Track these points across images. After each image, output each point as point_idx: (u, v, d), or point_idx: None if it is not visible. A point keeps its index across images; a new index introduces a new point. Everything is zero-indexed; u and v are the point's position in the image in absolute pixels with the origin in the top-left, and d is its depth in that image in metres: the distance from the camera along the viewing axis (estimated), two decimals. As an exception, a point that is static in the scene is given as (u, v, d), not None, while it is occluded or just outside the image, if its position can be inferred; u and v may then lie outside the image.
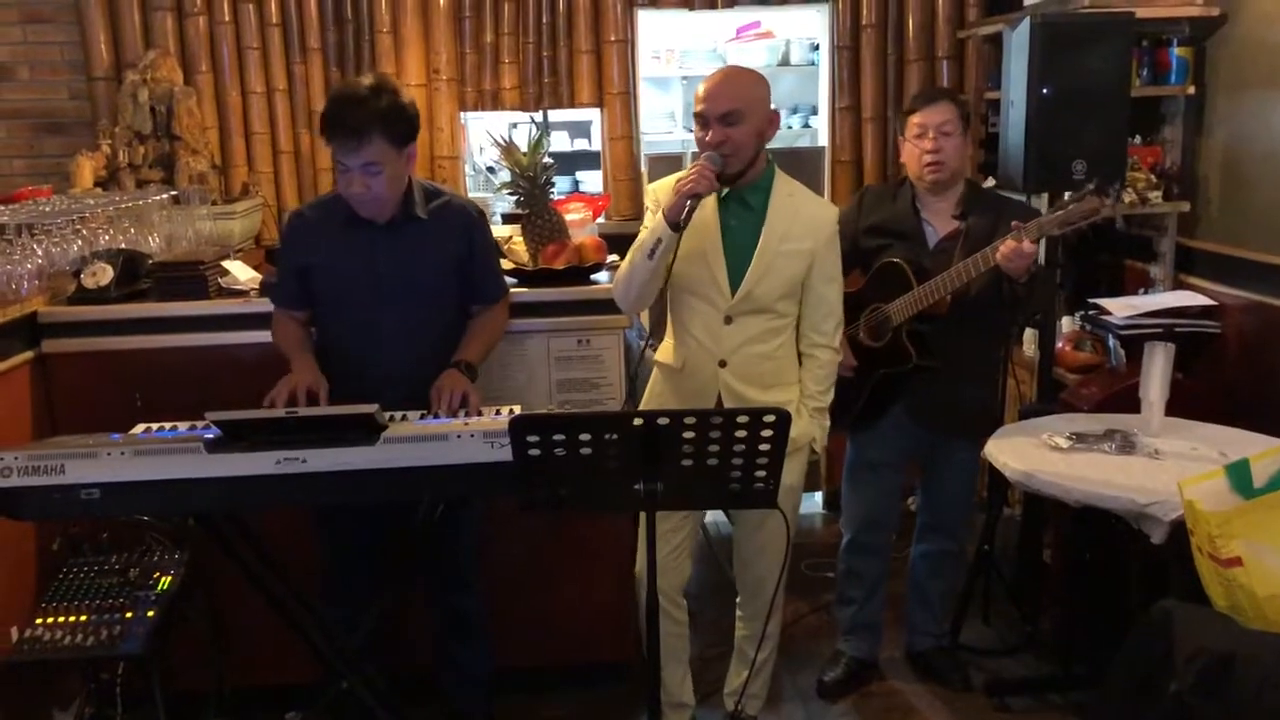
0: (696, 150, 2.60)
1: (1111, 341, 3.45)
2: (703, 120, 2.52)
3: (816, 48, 5.33)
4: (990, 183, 3.34)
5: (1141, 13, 3.27)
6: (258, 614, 2.52)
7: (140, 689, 2.70)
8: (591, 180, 5.81)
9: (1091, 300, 3.53)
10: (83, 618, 2.61)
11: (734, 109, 2.49)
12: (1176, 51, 3.48)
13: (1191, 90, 3.50)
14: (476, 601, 2.85)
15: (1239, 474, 2.02)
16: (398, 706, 2.56)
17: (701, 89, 2.53)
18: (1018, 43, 3.15)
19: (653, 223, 2.53)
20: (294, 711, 3.00)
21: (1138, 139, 3.57)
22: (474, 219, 2.72)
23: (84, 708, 2.79)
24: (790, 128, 6.15)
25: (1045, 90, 3.05)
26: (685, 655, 2.92)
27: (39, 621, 2.60)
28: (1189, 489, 2.07)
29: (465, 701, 2.90)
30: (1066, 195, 2.83)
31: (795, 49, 5.84)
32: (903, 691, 3.25)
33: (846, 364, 2.99)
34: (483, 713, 2.93)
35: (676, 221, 2.43)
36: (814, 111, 5.70)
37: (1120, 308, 3.40)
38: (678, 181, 2.47)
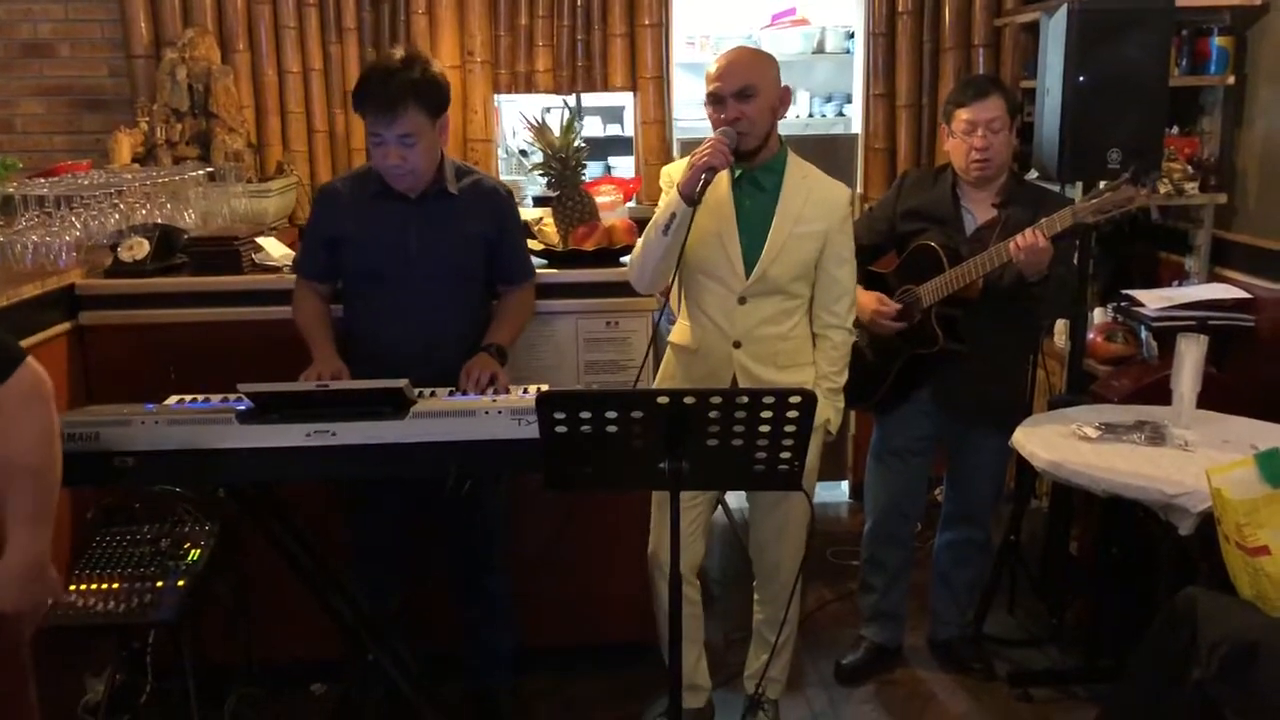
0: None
1: (1144, 333, 3.43)
2: (716, 98, 2.53)
3: (851, 35, 5.30)
4: (1033, 175, 3.30)
5: (1182, 1, 3.23)
6: (286, 587, 2.56)
7: (170, 658, 2.74)
8: (623, 166, 5.81)
9: (1124, 291, 3.50)
10: (115, 585, 2.65)
11: (748, 84, 2.51)
12: (1217, 41, 3.45)
13: (1231, 80, 3.47)
14: (502, 580, 2.87)
15: (1269, 463, 2.01)
16: (422, 682, 2.59)
17: (713, 68, 2.55)
18: (1054, 31, 3.12)
19: (667, 201, 2.55)
20: (319, 683, 3.04)
21: (1175, 129, 3.54)
22: (504, 199, 2.73)
23: (115, 674, 2.83)
24: (824, 115, 6.14)
25: (1081, 79, 3.02)
26: (700, 637, 2.93)
27: (72, 588, 2.64)
28: (1217, 477, 2.06)
29: (490, 679, 2.93)
30: (1102, 184, 2.81)
31: (830, 36, 5.82)
32: (925, 680, 3.24)
33: (887, 313, 2.98)
34: (507, 690, 2.95)
35: (691, 195, 2.44)
36: (848, 100, 5.68)
37: (1153, 299, 3.37)
38: (692, 156, 2.48)
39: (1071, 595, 3.42)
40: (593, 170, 5.80)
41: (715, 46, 5.94)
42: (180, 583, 2.65)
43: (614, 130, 6.09)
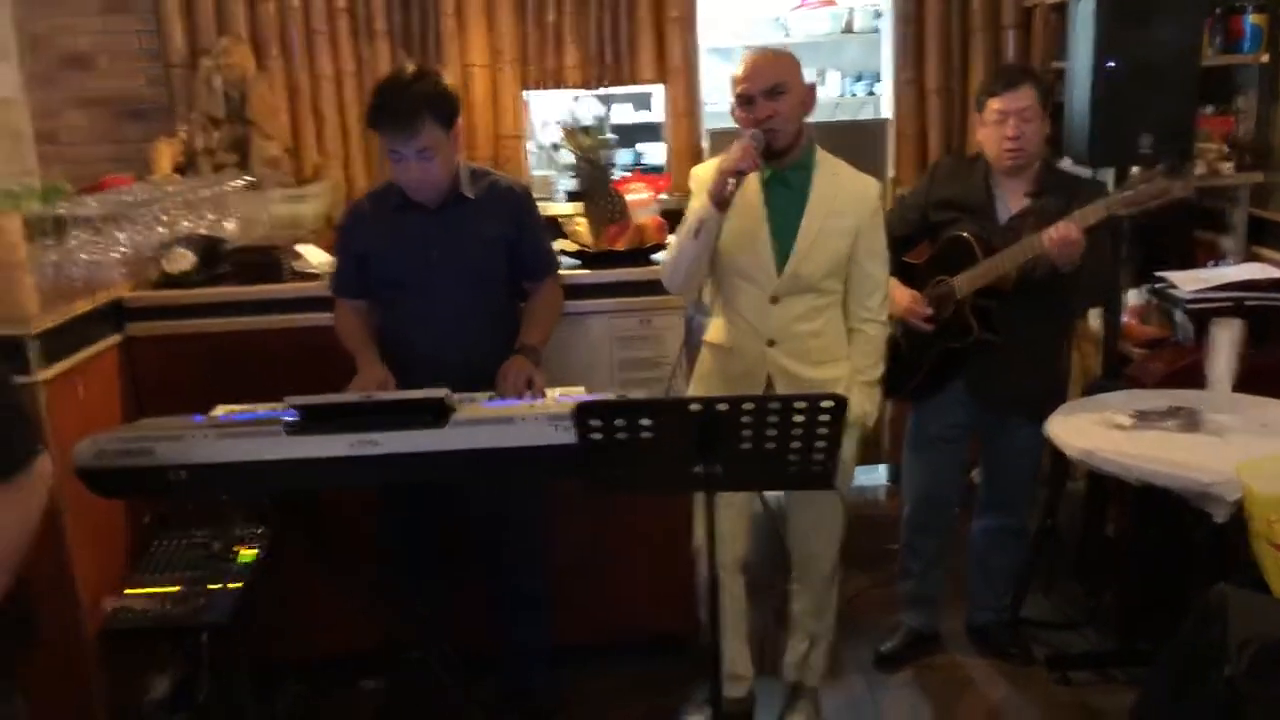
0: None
1: (1179, 315, 3.41)
2: (746, 99, 2.56)
3: (880, 15, 5.28)
4: (1067, 162, 3.30)
5: (1214, -19, 3.21)
6: (333, 585, 2.64)
7: (226, 656, 2.83)
8: (653, 152, 5.82)
9: (1158, 273, 3.49)
10: (172, 589, 2.74)
11: (778, 81, 2.54)
12: (1250, 19, 3.41)
13: (1265, 59, 3.43)
14: (539, 578, 2.93)
15: (1300, 458, 2.02)
16: (463, 678, 2.66)
17: (740, 70, 2.58)
18: (1083, 15, 3.11)
19: (696, 204, 2.58)
20: (369, 679, 3.12)
21: (1209, 109, 3.51)
22: (520, 197, 2.79)
23: (176, 672, 2.94)
24: (855, 95, 6.12)
25: (1111, 64, 3.01)
26: (743, 627, 2.98)
27: (130, 592, 2.75)
28: (1247, 473, 2.07)
29: (528, 676, 3.00)
30: (1135, 173, 2.81)
31: (858, 16, 5.80)
32: (963, 664, 3.28)
33: (921, 314, 3.00)
34: (544, 687, 3.02)
35: (721, 199, 2.48)
36: (878, 79, 5.66)
37: (1188, 281, 3.35)
38: (721, 161, 2.51)
39: (1109, 578, 3.44)
40: (623, 157, 5.83)
41: (743, 31, 5.94)
42: (234, 585, 2.74)
43: (644, 116, 6.11)
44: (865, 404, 2.71)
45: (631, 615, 3.20)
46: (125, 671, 2.89)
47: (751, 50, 2.65)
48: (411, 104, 2.50)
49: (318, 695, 3.10)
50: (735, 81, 2.58)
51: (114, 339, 2.96)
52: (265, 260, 3.11)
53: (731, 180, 2.47)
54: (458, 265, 2.68)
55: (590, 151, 3.11)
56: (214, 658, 2.85)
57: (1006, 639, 3.31)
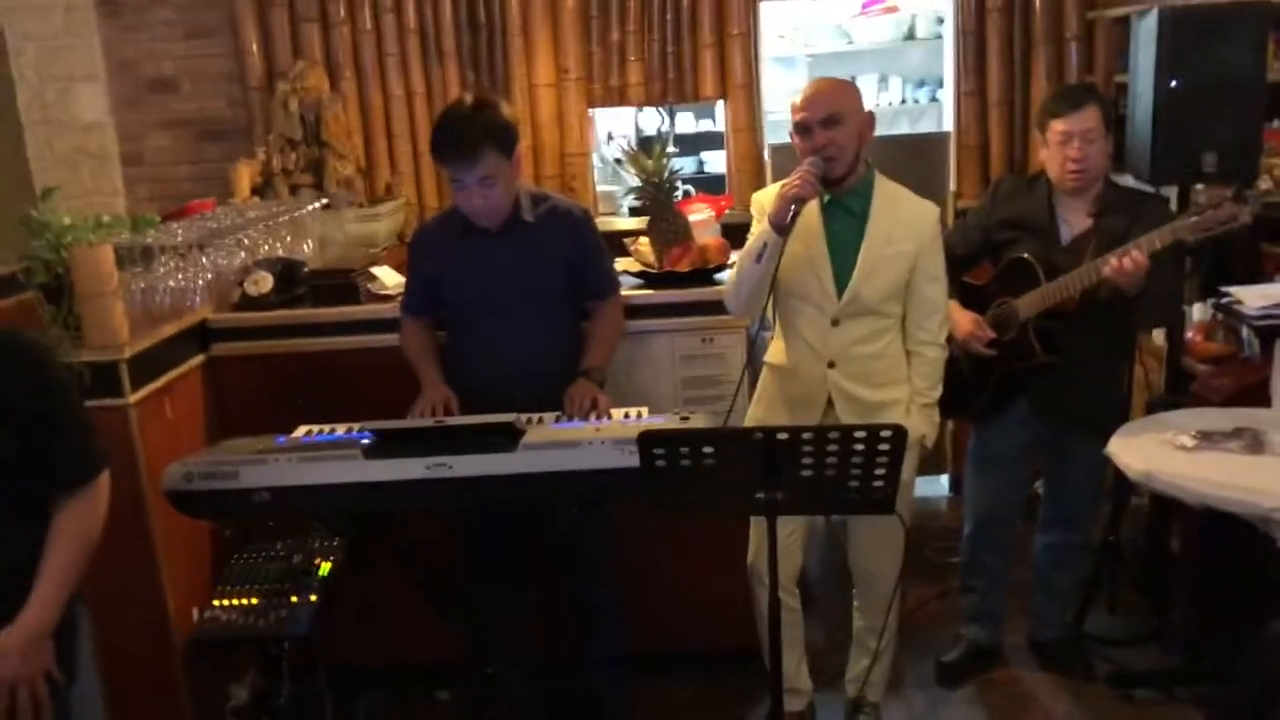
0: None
1: (1245, 331, 3.39)
2: (804, 128, 2.62)
3: (943, 20, 5.28)
4: (1127, 180, 3.29)
5: (1280, -3, 3.18)
6: (411, 596, 2.74)
7: (305, 664, 2.94)
8: (715, 160, 5.90)
9: (1224, 289, 3.46)
10: (253, 600, 2.88)
11: (835, 112, 2.59)
12: (1317, 33, 3.37)
13: (1332, 73, 3.39)
14: (611, 591, 3.01)
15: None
16: (540, 689, 2.75)
17: (799, 99, 2.63)
18: (1145, 33, 3.11)
19: (758, 229, 2.64)
20: (444, 691, 3.22)
21: (1275, 123, 3.48)
22: (580, 220, 2.88)
23: (256, 681, 3.06)
24: (917, 101, 6.13)
25: (1174, 83, 3.01)
26: (800, 642, 3.03)
27: (215, 604, 2.88)
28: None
29: (603, 685, 3.07)
30: (1199, 192, 2.80)
31: (921, 23, 5.80)
32: (1025, 680, 3.29)
33: (983, 338, 3.02)
34: (617, 696, 3.09)
35: (782, 225, 2.54)
36: (940, 84, 5.67)
37: (1254, 297, 3.33)
38: (782, 187, 2.57)
39: (1174, 594, 3.42)
40: (686, 165, 5.90)
41: (806, 38, 5.97)
42: (313, 597, 2.86)
43: (706, 125, 6.17)
44: (924, 426, 2.75)
45: (697, 627, 3.25)
46: (207, 678, 3.02)
47: (812, 80, 2.71)
48: (472, 135, 2.59)
49: (394, 704, 3.21)
50: (794, 110, 2.65)
51: (198, 359, 3.09)
52: (342, 283, 3.22)
53: (793, 207, 2.52)
54: (521, 287, 2.77)
55: (654, 174, 3.17)
56: (293, 666, 2.98)
57: (1070, 655, 3.31)
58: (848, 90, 2.67)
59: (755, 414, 2.88)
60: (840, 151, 2.61)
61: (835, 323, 2.69)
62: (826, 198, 2.68)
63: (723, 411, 3.05)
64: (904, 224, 2.68)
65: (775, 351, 2.84)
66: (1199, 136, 3.02)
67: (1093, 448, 3.02)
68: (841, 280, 2.68)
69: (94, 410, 2.68)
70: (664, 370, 3.17)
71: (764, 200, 2.71)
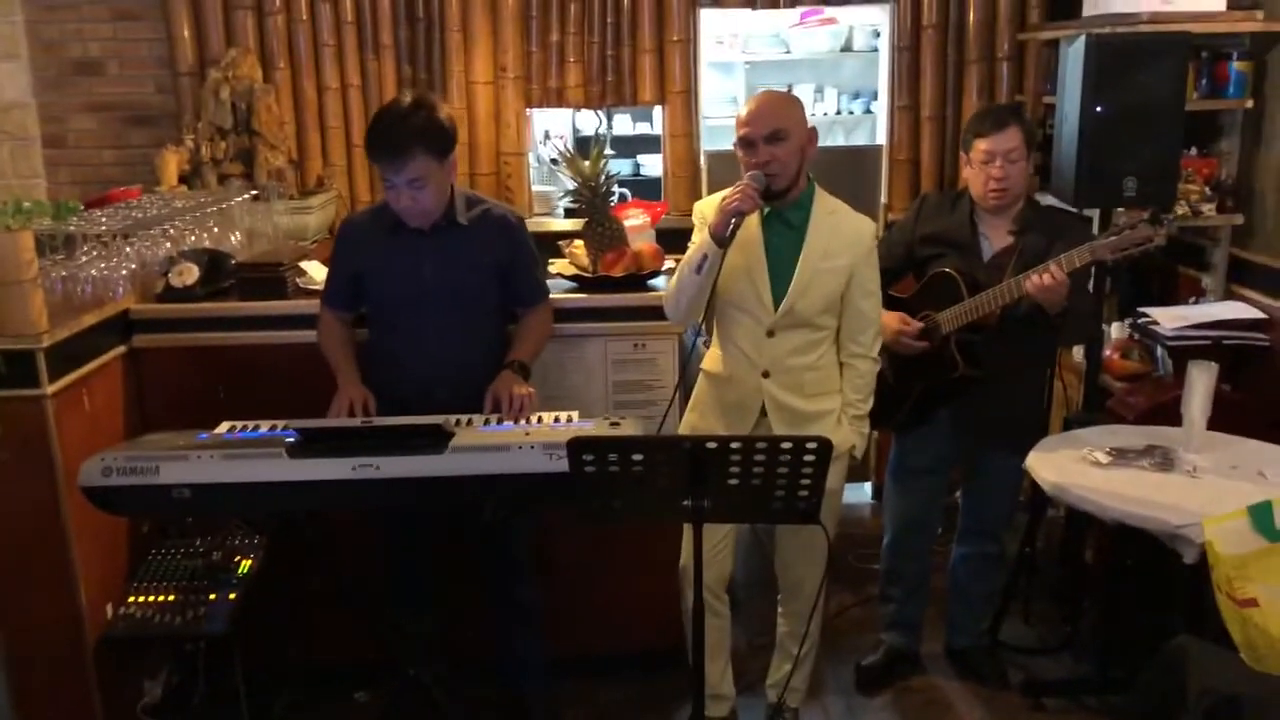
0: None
1: (1159, 351, 3.50)
2: (748, 143, 2.64)
3: (879, 34, 5.36)
4: (1050, 200, 3.38)
5: (1201, 28, 3.30)
6: (329, 597, 2.71)
7: (221, 662, 2.90)
8: (652, 163, 5.91)
9: (1140, 309, 3.57)
10: (170, 598, 2.82)
11: (779, 128, 2.61)
12: (1235, 65, 3.50)
13: (1250, 104, 3.51)
14: (533, 591, 3.00)
15: (1261, 516, 2.10)
16: (460, 691, 2.74)
17: (743, 113, 2.66)
18: (1073, 59, 3.19)
19: (699, 240, 2.66)
20: (362, 692, 3.19)
21: (1193, 150, 3.60)
22: (513, 226, 2.87)
23: (171, 679, 3.01)
24: (852, 113, 6.21)
25: (1099, 109, 3.09)
26: (726, 648, 3.05)
27: (131, 600, 2.82)
28: (1210, 528, 2.16)
29: (526, 687, 3.07)
30: (1119, 215, 2.88)
31: (858, 35, 5.88)
32: (941, 687, 3.36)
33: (910, 333, 3.07)
34: (539, 698, 3.09)
35: (722, 237, 2.56)
36: (875, 97, 5.75)
37: (1169, 318, 3.45)
38: (723, 200, 2.59)
39: (1087, 604, 3.52)
40: (622, 167, 5.91)
41: (744, 45, 6.01)
42: (231, 595, 2.81)
43: (643, 128, 6.19)
44: (854, 437, 2.80)
45: (626, 630, 3.26)
46: (120, 676, 2.95)
47: (756, 94, 2.72)
48: (404, 135, 2.58)
49: (311, 704, 3.17)
50: (738, 123, 2.66)
51: (119, 350, 3.02)
52: (270, 276, 3.17)
53: (733, 220, 2.54)
54: (449, 288, 2.76)
55: (590, 178, 3.17)
56: (209, 663, 2.93)
57: (984, 663, 3.39)
58: (792, 106, 2.69)
59: (690, 420, 2.90)
60: (783, 167, 2.63)
61: (770, 334, 2.72)
62: (766, 210, 2.71)
63: (652, 416, 3.07)
64: (841, 239, 2.72)
65: (711, 359, 2.86)
66: (1121, 161, 3.11)
67: (1011, 461, 3.10)
68: (778, 292, 2.71)
69: (8, 401, 2.63)
70: (595, 374, 3.18)
71: (705, 209, 2.73)
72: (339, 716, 3.18)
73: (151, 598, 2.83)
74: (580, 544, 3.17)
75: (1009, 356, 3.06)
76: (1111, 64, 3.08)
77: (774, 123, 2.61)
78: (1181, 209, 3.35)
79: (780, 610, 3.06)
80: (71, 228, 2.90)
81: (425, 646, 2.74)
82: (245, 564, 2.91)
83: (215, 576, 2.86)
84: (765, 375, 2.75)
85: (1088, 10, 3.79)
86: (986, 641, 3.46)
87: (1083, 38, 3.12)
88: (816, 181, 2.79)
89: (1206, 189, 3.53)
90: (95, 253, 2.96)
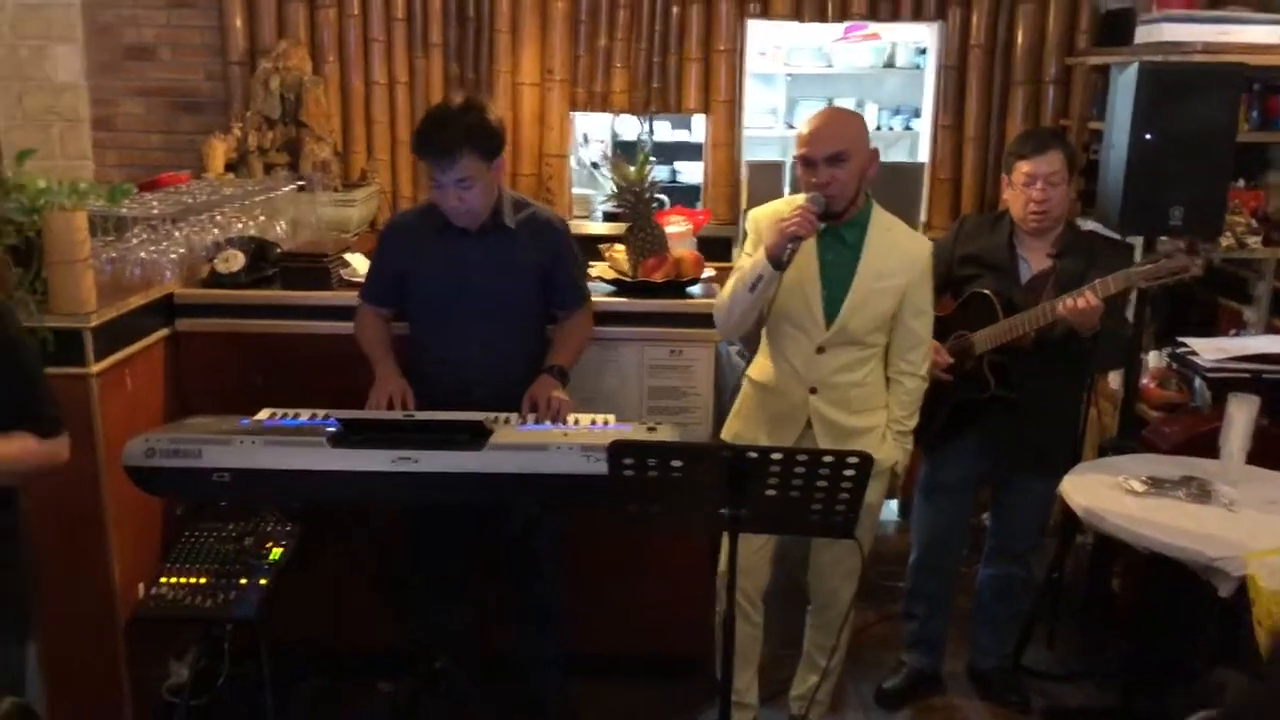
0: (799, 182, 2.70)
1: (1198, 383, 3.48)
2: (808, 162, 2.61)
3: (923, 51, 5.36)
4: (1092, 225, 3.37)
5: (1255, 60, 3.27)
6: (357, 585, 2.72)
7: (248, 645, 2.92)
8: (689, 170, 5.92)
9: (1180, 339, 3.55)
10: (202, 580, 2.85)
11: (840, 150, 2.58)
12: (1287, 98, 3.48)
13: (1300, 137, 3.50)
14: (552, 589, 3.01)
15: (1305, 550, 2.08)
16: (484, 686, 2.75)
17: (805, 131, 2.63)
18: (1123, 86, 3.18)
19: (753, 253, 2.66)
20: (386, 682, 3.21)
21: (1241, 183, 3.58)
22: (558, 230, 2.89)
23: (197, 661, 3.03)
24: (892, 129, 6.20)
25: (1149, 136, 3.08)
26: (756, 658, 3.05)
27: (163, 581, 2.85)
28: (1254, 562, 2.14)
29: (543, 683, 3.08)
30: (1159, 246, 2.87)
31: (901, 51, 5.88)
32: (962, 708, 3.35)
33: (940, 364, 3.06)
34: (556, 695, 3.10)
35: (779, 261, 2.55)
36: (916, 114, 5.75)
37: (1209, 349, 3.42)
38: (780, 222, 2.57)
39: (1112, 633, 3.50)
40: (660, 173, 5.92)
41: (787, 58, 6.02)
42: (262, 580, 2.84)
43: (681, 135, 6.20)
44: (897, 453, 2.80)
45: (649, 633, 3.26)
46: (148, 654, 2.98)
47: (819, 111, 2.71)
48: (452, 136, 2.60)
49: (335, 691, 3.20)
50: (799, 141, 2.64)
51: (163, 333, 3.06)
52: (314, 267, 3.20)
53: (790, 245, 2.54)
54: (493, 290, 2.78)
55: (635, 183, 3.19)
56: (235, 647, 2.96)
57: (1007, 686, 3.37)
58: (855, 126, 2.66)
59: (733, 427, 2.90)
60: (842, 188, 2.61)
61: (820, 350, 2.71)
62: (823, 227, 2.68)
63: (686, 423, 3.08)
64: (897, 258, 2.70)
65: (758, 369, 2.86)
66: (1168, 190, 3.09)
67: (1041, 484, 3.10)
68: (831, 310, 2.69)
69: (55, 378, 2.66)
70: (631, 379, 3.19)
71: (760, 219, 2.73)
72: (362, 705, 3.20)
73: (183, 579, 2.86)
74: (607, 545, 3.16)
75: (1041, 379, 3.05)
76: (1163, 93, 3.07)
77: (835, 144, 2.58)
78: (1227, 240, 3.33)
79: (810, 621, 3.06)
80: (124, 210, 2.94)
81: (453, 640, 2.75)
82: (277, 551, 2.93)
83: (247, 562, 2.88)
84: (813, 391, 2.74)
85: (1140, 38, 3.77)
86: (1010, 664, 3.44)
87: (1135, 65, 3.11)
88: (862, 196, 2.78)
89: (1252, 221, 3.51)
90: (145, 236, 3.00)
